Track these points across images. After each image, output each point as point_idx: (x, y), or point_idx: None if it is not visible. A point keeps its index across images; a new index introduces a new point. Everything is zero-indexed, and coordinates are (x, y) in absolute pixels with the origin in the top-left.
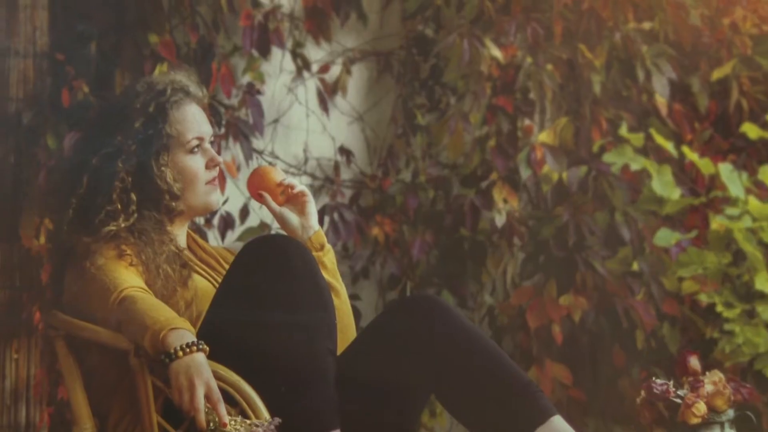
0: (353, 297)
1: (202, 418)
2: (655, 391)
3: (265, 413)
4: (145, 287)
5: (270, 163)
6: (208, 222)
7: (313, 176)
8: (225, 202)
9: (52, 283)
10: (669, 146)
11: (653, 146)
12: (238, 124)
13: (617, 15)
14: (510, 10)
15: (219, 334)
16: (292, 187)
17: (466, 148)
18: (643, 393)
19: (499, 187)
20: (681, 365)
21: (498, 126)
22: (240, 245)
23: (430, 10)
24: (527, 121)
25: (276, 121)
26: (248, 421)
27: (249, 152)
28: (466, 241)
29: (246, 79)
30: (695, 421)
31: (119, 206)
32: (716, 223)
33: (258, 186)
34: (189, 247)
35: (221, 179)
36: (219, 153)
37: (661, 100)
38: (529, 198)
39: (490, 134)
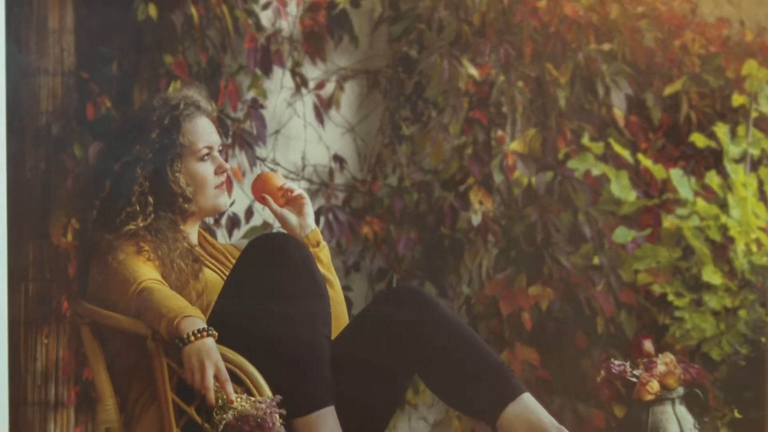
0: (346, 288)
1: (211, 395)
2: (613, 371)
3: (268, 391)
4: (161, 279)
5: (272, 170)
6: (217, 222)
7: (310, 181)
8: (232, 204)
9: (78, 276)
10: (626, 154)
11: (612, 154)
12: (243, 134)
13: (580, 38)
14: (485, 33)
15: (227, 321)
16: (292, 191)
17: (445, 155)
18: (602, 373)
19: (475, 190)
20: (636, 348)
21: (474, 136)
22: (245, 242)
23: (413, 33)
24: (500, 132)
25: (277, 132)
26: (252, 399)
27: (253, 160)
28: (446, 239)
29: (250, 94)
30: (649, 397)
31: (138, 208)
32: (668, 222)
33: (261, 190)
34: (200, 244)
35: (228, 184)
36: (226, 160)
37: (619, 113)
38: (501, 200)
39: (467, 143)
